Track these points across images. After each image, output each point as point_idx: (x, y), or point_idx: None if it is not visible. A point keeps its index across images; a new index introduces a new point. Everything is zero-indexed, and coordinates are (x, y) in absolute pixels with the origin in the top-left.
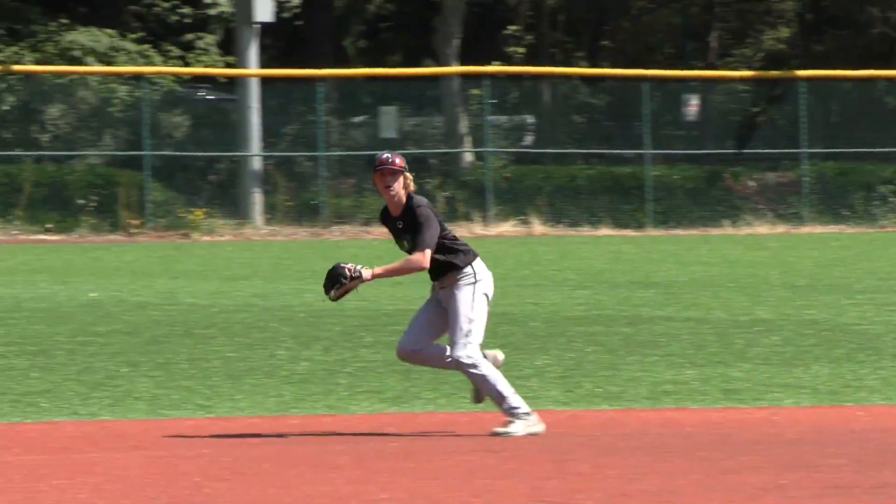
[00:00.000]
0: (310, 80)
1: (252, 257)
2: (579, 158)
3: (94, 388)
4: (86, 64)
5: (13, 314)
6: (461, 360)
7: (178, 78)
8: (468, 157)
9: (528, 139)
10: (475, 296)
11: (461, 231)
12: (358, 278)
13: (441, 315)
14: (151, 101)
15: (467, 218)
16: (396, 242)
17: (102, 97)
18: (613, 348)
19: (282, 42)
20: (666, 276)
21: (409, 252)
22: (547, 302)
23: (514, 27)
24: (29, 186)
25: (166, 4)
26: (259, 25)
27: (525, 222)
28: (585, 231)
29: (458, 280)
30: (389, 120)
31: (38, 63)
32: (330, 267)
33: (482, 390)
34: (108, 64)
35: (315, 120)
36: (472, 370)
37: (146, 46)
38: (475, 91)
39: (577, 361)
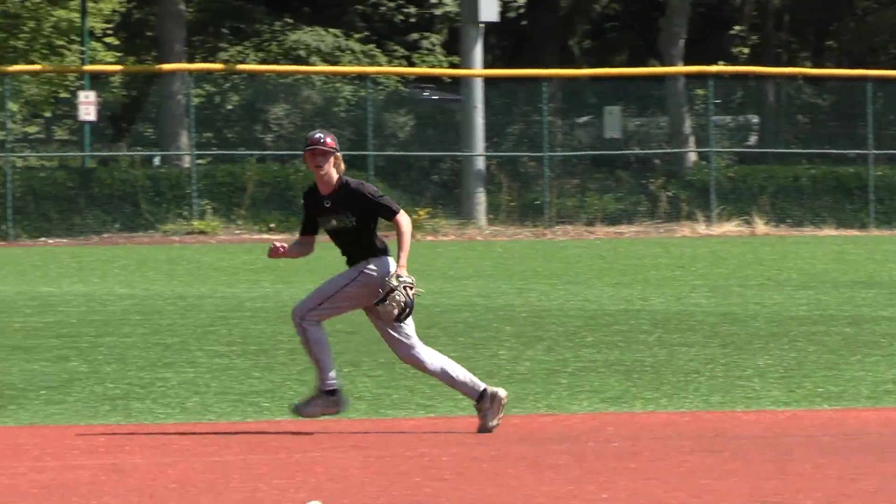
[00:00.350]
0: (534, 79)
1: (475, 257)
2: (803, 158)
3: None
4: (310, 64)
5: (236, 313)
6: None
7: (403, 78)
8: (692, 157)
9: (752, 139)
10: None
11: (684, 230)
12: (406, 284)
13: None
14: (375, 100)
15: (690, 217)
16: (320, 221)
17: (327, 97)
18: (835, 348)
19: (507, 42)
20: (889, 277)
21: (338, 231)
22: (769, 302)
23: (739, 27)
24: (252, 186)
25: (391, 4)
26: (484, 25)
27: (748, 222)
28: (808, 231)
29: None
30: (614, 120)
31: (262, 63)
32: (390, 300)
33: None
34: (333, 64)
35: (539, 120)
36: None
37: (371, 46)
38: (700, 91)
39: (799, 361)
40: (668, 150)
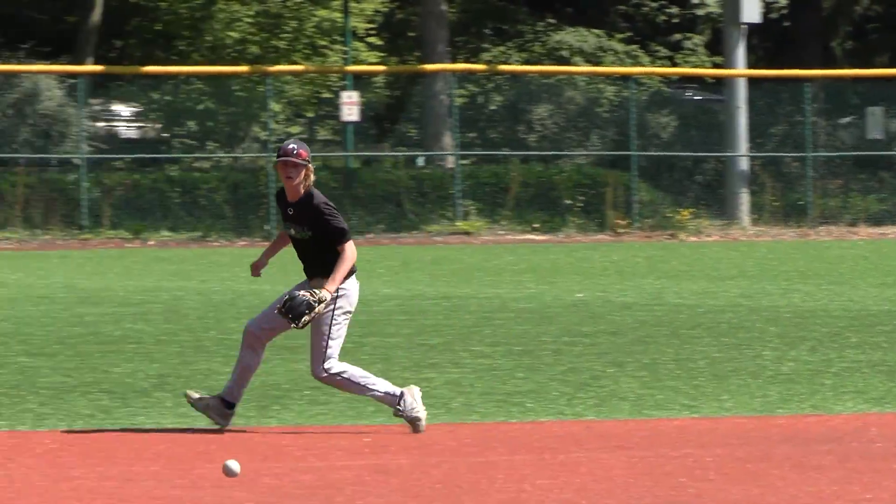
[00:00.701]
0: (797, 80)
1: (738, 257)
2: None
3: (580, 388)
4: (573, 64)
5: (499, 314)
6: (321, 375)
7: (666, 78)
8: None
9: None
10: (334, 312)
11: None
12: (323, 301)
13: None
14: (638, 101)
15: None
16: (284, 225)
17: (589, 97)
18: None
19: (769, 42)
20: None
21: (295, 240)
22: None
23: None
24: (516, 186)
25: (654, 4)
26: (746, 26)
27: None
28: None
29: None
30: (876, 121)
31: (524, 63)
32: (287, 300)
33: (354, 392)
34: (596, 64)
35: (802, 120)
36: (338, 378)
37: (633, 47)
38: None
39: None
40: None
